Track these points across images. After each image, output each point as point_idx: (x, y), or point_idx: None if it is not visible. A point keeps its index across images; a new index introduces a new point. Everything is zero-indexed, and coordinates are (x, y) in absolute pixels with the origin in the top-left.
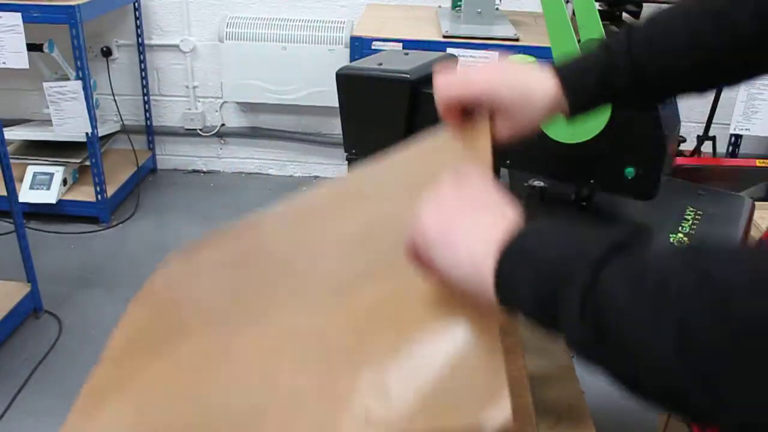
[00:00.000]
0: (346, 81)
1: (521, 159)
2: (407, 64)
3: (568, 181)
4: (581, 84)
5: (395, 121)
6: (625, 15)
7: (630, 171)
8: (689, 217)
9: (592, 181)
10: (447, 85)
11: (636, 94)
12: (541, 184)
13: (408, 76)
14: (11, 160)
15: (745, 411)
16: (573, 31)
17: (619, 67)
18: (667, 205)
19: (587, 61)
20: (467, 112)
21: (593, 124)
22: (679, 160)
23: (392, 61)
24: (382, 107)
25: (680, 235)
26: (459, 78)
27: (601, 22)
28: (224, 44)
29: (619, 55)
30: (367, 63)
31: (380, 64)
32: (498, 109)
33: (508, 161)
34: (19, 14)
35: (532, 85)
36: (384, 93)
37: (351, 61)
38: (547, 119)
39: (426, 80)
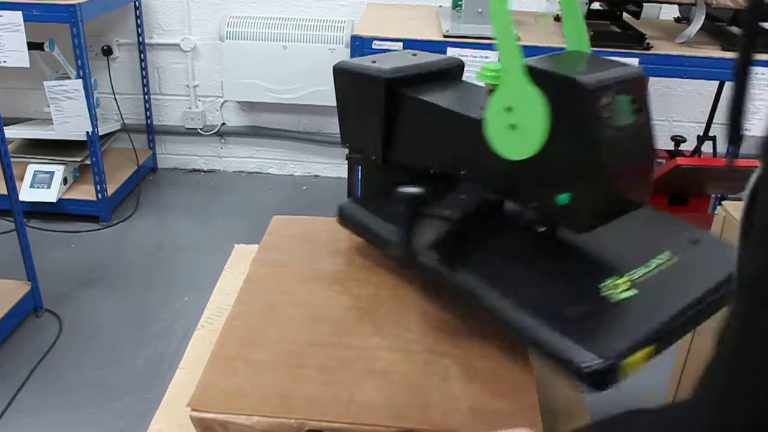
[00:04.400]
0: (337, 75)
1: (474, 171)
2: (397, 63)
3: (514, 201)
4: None
5: (374, 119)
6: (625, 15)
7: (563, 197)
8: (653, 265)
9: (533, 205)
10: None
11: None
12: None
13: (382, 75)
14: (12, 159)
15: None
16: (515, 33)
17: None
18: (639, 242)
19: None
20: None
21: (532, 140)
22: (680, 160)
23: (389, 60)
24: (363, 104)
25: (625, 278)
26: None
27: (586, 32)
28: (225, 43)
29: None
30: (363, 60)
31: (374, 62)
32: None
33: (462, 171)
34: (20, 13)
35: None
36: (363, 90)
37: None
38: None
39: (405, 81)
